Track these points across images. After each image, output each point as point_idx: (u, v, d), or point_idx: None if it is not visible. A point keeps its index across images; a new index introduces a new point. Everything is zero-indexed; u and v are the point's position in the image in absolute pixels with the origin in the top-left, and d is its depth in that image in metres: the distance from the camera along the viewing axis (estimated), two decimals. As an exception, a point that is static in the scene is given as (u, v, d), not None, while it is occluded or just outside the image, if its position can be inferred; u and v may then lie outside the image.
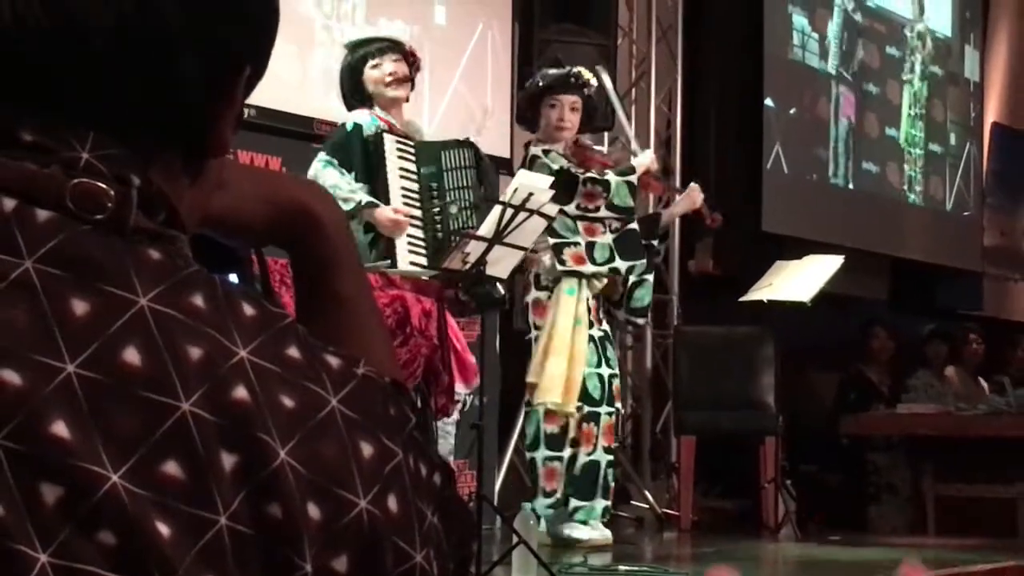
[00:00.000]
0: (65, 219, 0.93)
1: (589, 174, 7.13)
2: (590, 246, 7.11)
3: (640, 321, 7.86)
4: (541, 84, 7.23)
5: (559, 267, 7.03)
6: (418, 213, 5.77)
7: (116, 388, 0.88)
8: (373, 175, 5.79)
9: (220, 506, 0.88)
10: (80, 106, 0.96)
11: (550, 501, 7.07)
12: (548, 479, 7.09)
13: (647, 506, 8.90)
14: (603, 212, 7.15)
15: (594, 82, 7.28)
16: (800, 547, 7.75)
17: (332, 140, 5.96)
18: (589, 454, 7.11)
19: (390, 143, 5.78)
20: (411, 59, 6.04)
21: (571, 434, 7.09)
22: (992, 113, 13.53)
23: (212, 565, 0.87)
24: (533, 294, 7.14)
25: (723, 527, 8.50)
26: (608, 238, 7.16)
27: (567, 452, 7.08)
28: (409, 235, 5.70)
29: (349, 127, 5.88)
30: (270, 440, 0.91)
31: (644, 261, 7.28)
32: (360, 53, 6.03)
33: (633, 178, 7.23)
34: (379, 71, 5.97)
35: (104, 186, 0.95)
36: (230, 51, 1.01)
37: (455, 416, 5.93)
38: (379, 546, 0.95)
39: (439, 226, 5.77)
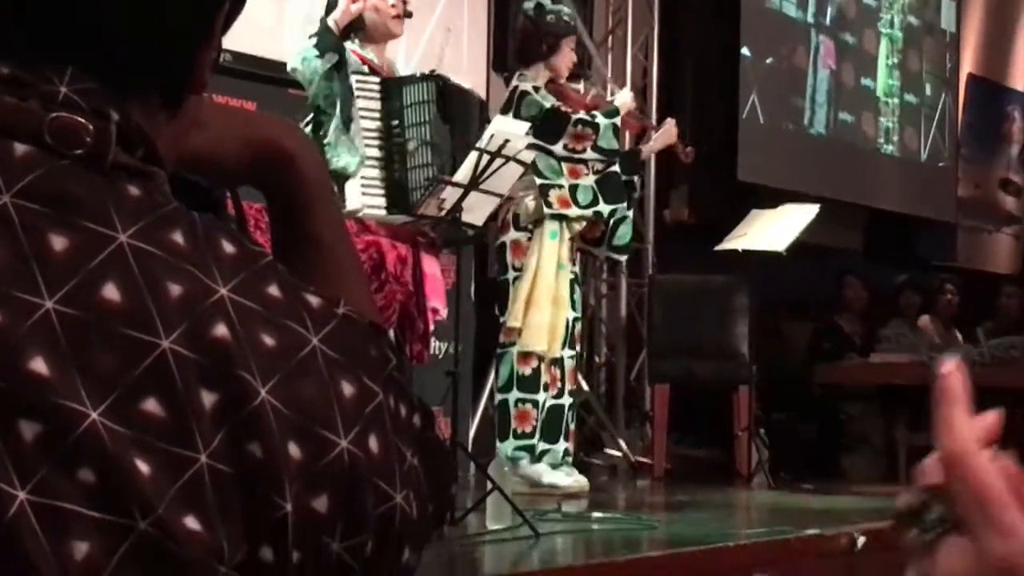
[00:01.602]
0: (43, 154, 0.92)
1: (579, 115, 7.12)
2: (573, 188, 7.11)
3: (622, 258, 7.88)
4: (569, 23, 7.26)
5: (546, 210, 7.02)
6: (377, 152, 5.71)
7: (95, 325, 0.87)
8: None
9: (200, 444, 0.88)
10: (58, 40, 0.95)
11: (521, 443, 7.07)
12: (521, 421, 7.09)
13: (620, 454, 8.92)
14: (589, 154, 7.15)
15: None
16: (773, 495, 7.78)
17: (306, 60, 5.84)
18: (555, 397, 7.12)
19: (354, 83, 5.73)
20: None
21: (544, 378, 7.10)
22: (968, 64, 13.53)
23: (192, 503, 0.87)
24: (512, 235, 7.11)
25: (696, 475, 8.53)
26: (591, 180, 7.17)
27: (541, 396, 7.08)
28: (365, 176, 5.65)
29: (313, 50, 5.76)
30: (250, 378, 0.90)
31: (626, 203, 7.30)
32: None
33: (618, 120, 7.24)
34: (384, 2, 5.89)
35: (83, 120, 0.93)
36: None
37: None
38: (359, 486, 0.94)
39: (396, 165, 5.71)
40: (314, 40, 5.75)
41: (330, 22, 5.81)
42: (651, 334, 9.09)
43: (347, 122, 5.67)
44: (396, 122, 5.72)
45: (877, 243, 12.28)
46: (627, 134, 8.65)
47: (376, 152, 5.71)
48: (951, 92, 13.20)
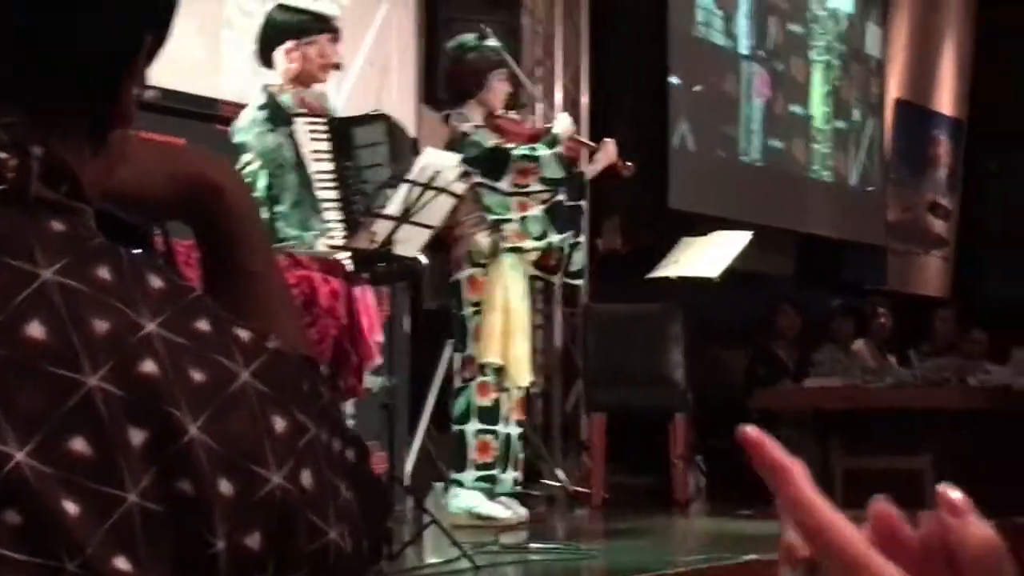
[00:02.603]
0: (-37, 191, 0.90)
1: (521, 150, 7.11)
2: (523, 221, 7.12)
3: (578, 283, 7.89)
4: (495, 58, 7.24)
5: (503, 245, 7.04)
6: (334, 195, 5.69)
7: (20, 363, 0.86)
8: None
9: (129, 483, 0.86)
10: None
11: (482, 474, 7.05)
12: (481, 452, 7.08)
13: (558, 484, 8.91)
14: (536, 186, 7.14)
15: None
16: (711, 522, 7.80)
17: (244, 123, 5.81)
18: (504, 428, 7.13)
19: (302, 128, 5.70)
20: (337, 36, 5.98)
21: (505, 409, 7.10)
22: (894, 89, 13.65)
23: (122, 544, 0.85)
24: (467, 271, 7.10)
25: (635, 503, 8.53)
26: (539, 211, 7.17)
27: (501, 427, 7.07)
28: (328, 218, 5.64)
29: (259, 104, 5.76)
30: (180, 415, 0.89)
31: (571, 232, 7.30)
32: (299, 22, 5.89)
33: (560, 148, 7.22)
34: (317, 50, 5.84)
35: (4, 155, 0.92)
36: (130, 17, 0.99)
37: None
38: (293, 522, 0.93)
39: (356, 207, 5.70)
40: (264, 113, 5.71)
41: (272, 88, 5.78)
42: (586, 363, 9.10)
43: (307, 182, 5.65)
44: (349, 163, 5.71)
45: (808, 268, 12.35)
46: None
47: (333, 194, 5.68)
48: (879, 117, 13.31)
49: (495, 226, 7.03)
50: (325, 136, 5.73)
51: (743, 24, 11.41)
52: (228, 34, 7.43)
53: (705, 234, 8.73)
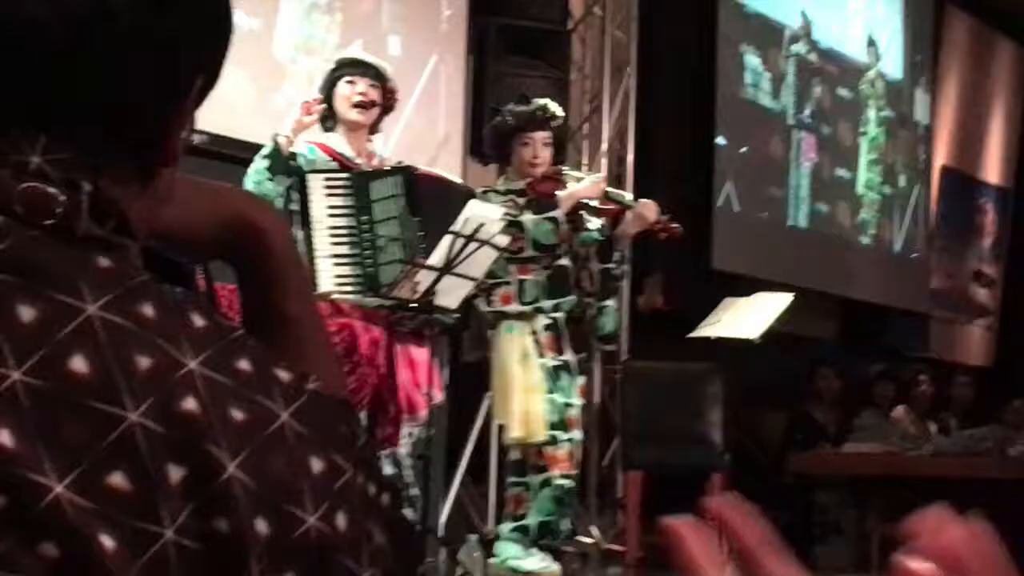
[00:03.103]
0: (13, 224, 0.91)
1: (507, 217, 7.00)
2: (521, 285, 7.08)
3: (608, 347, 7.83)
4: (512, 123, 7.15)
5: (484, 308, 7.03)
6: (348, 250, 5.70)
7: (62, 397, 0.86)
8: (301, 215, 5.73)
9: (166, 520, 0.87)
10: (31, 109, 0.95)
11: (513, 525, 7.05)
12: (513, 504, 7.09)
13: (592, 541, 8.87)
14: (530, 252, 7.06)
15: (560, 113, 7.26)
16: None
17: (256, 169, 5.81)
18: (563, 477, 7.13)
19: (316, 182, 5.72)
20: (389, 93, 5.99)
21: (531, 460, 7.08)
22: (941, 156, 13.62)
23: (157, 580, 0.86)
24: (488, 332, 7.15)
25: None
26: (541, 276, 7.12)
27: (531, 478, 7.06)
28: (338, 274, 5.65)
29: (266, 152, 5.78)
30: (219, 453, 0.89)
31: (573, 298, 7.21)
32: (341, 69, 5.98)
33: (558, 213, 7.08)
34: (350, 89, 5.91)
35: (53, 191, 0.93)
36: (182, 59, 1.00)
37: (407, 448, 5.89)
38: (326, 563, 0.93)
39: (369, 261, 5.70)
40: (265, 163, 5.75)
41: (280, 139, 5.78)
42: (624, 421, 9.06)
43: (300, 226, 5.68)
44: (365, 217, 5.72)
45: (850, 332, 12.30)
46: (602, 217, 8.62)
47: (347, 249, 5.70)
48: (925, 184, 13.28)
49: (490, 288, 6.99)
50: (343, 191, 5.74)
51: (791, 87, 11.41)
52: (278, 81, 7.47)
53: (747, 295, 8.70)
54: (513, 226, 6.90)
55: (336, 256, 5.66)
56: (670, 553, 0.74)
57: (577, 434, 7.28)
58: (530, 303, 7.06)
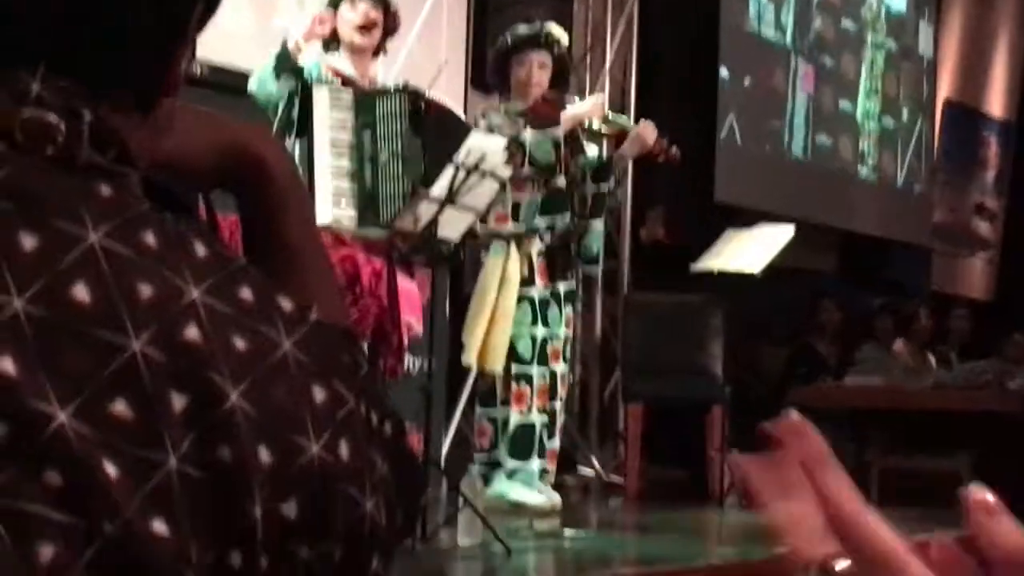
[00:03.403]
0: (13, 152, 0.91)
1: (508, 135, 7.01)
2: (516, 205, 7.07)
3: (591, 269, 7.76)
4: (510, 42, 7.17)
5: (480, 227, 6.99)
6: (347, 164, 5.72)
7: (64, 325, 0.86)
8: (299, 125, 5.73)
9: (169, 448, 0.87)
10: (29, 35, 0.94)
11: (482, 458, 7.07)
12: (479, 436, 7.10)
13: (593, 473, 8.91)
14: (528, 170, 7.06)
15: (564, 40, 7.24)
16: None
17: (260, 77, 5.83)
18: (522, 414, 7.07)
19: (321, 94, 5.73)
20: (391, 15, 5.98)
21: (501, 393, 7.07)
22: (944, 90, 13.58)
23: (160, 508, 0.86)
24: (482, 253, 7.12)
25: (669, 495, 8.52)
26: (537, 196, 7.11)
27: (498, 412, 7.05)
28: (336, 187, 5.65)
29: (271, 63, 5.78)
30: (221, 382, 0.89)
31: (567, 216, 7.20)
32: None
33: (556, 131, 7.09)
34: (353, 13, 5.91)
35: (54, 119, 0.92)
36: None
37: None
38: (330, 492, 0.93)
39: (368, 176, 5.71)
40: (273, 63, 5.76)
41: (290, 43, 5.81)
42: (625, 353, 9.09)
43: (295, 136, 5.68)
44: (368, 133, 5.73)
45: (851, 266, 12.31)
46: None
47: (346, 163, 5.71)
48: (928, 117, 13.25)
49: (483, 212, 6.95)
50: (348, 107, 5.75)
51: (794, 18, 11.36)
52: (278, 10, 7.44)
53: (749, 227, 8.70)
54: (512, 144, 6.89)
55: (335, 168, 5.66)
56: (745, 493, 0.76)
57: (560, 366, 7.24)
58: (523, 222, 7.05)
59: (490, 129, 6.83)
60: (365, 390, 0.99)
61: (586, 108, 7.24)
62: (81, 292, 0.87)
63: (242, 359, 0.91)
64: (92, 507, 0.84)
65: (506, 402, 7.06)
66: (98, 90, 0.96)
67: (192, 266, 0.92)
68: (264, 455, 0.90)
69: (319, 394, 0.94)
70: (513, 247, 7.03)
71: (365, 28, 5.91)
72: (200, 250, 0.94)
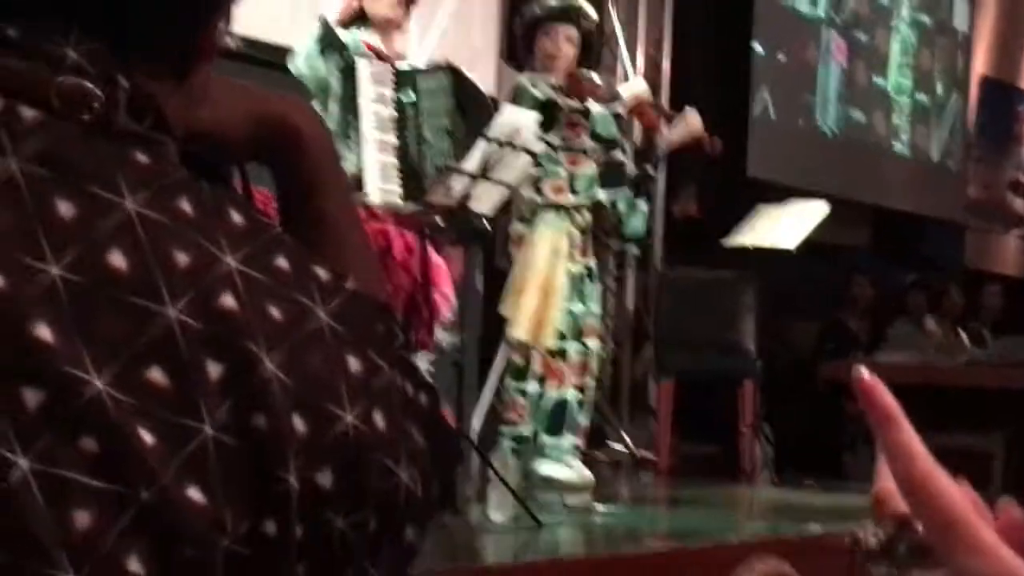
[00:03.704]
0: (51, 118, 0.91)
1: (571, 104, 7.03)
2: (571, 177, 7.06)
3: (633, 248, 7.78)
4: (537, 12, 7.15)
5: (537, 199, 6.97)
6: (392, 139, 5.71)
7: (101, 292, 0.86)
8: (349, 101, 5.73)
9: (205, 415, 0.87)
10: (67, 4, 0.94)
11: (513, 432, 7.05)
12: (511, 410, 7.08)
13: (624, 448, 8.90)
14: (587, 142, 7.08)
15: (593, 16, 7.22)
16: (776, 492, 7.78)
17: (306, 55, 5.85)
18: (557, 389, 7.06)
19: (364, 67, 5.73)
20: None
21: (536, 368, 7.05)
22: (980, 65, 13.50)
23: (195, 475, 0.86)
24: (515, 226, 7.06)
25: (700, 471, 8.52)
26: (592, 169, 7.10)
27: (532, 387, 7.04)
28: (383, 161, 5.65)
29: (316, 36, 5.80)
30: (257, 350, 0.89)
31: (626, 189, 7.22)
32: None
33: (618, 107, 7.14)
34: None
35: (91, 86, 0.92)
36: None
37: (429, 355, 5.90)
38: (364, 462, 0.93)
39: (412, 152, 5.71)
40: (315, 41, 5.76)
41: (330, 19, 5.81)
42: (657, 328, 9.07)
43: (351, 118, 5.68)
44: (412, 110, 5.73)
45: (884, 242, 12.27)
46: (637, 124, 8.59)
47: (392, 139, 5.70)
48: (963, 93, 13.18)
49: (537, 180, 6.94)
50: (391, 82, 5.75)
51: (827, -7, 11.32)
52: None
53: (782, 203, 8.67)
54: (578, 113, 6.91)
55: (381, 143, 5.66)
56: (881, 424, 0.76)
57: (593, 342, 7.22)
58: (584, 194, 7.05)
59: (541, 97, 6.83)
60: (400, 360, 0.99)
61: (642, 89, 7.31)
62: (117, 259, 0.87)
63: (278, 328, 0.91)
64: (128, 474, 0.84)
65: (542, 379, 7.05)
66: (134, 56, 0.96)
67: (228, 234, 0.92)
68: (299, 424, 0.90)
69: (354, 364, 0.94)
70: (566, 220, 7.01)
71: (398, 2, 5.90)
72: (236, 218, 0.94)
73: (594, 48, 7.34)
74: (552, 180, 6.95)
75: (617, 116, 7.12)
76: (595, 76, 7.30)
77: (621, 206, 7.21)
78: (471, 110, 5.85)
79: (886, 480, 0.77)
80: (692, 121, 7.29)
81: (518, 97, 6.87)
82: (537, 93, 6.91)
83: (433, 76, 5.81)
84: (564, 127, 7.03)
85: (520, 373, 7.06)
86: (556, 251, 6.94)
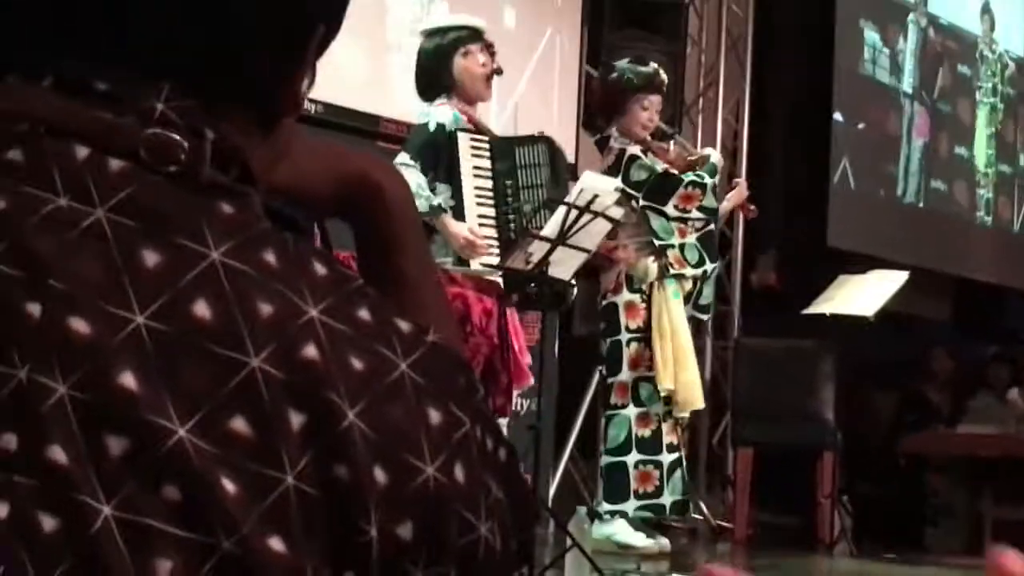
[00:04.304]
0: (138, 169, 0.92)
1: (690, 176, 7.07)
2: (682, 248, 7.10)
3: (705, 317, 7.82)
4: (635, 82, 7.15)
5: (669, 271, 7.03)
6: (492, 212, 5.72)
7: (185, 341, 0.87)
8: (453, 175, 5.73)
9: (287, 465, 0.87)
10: (155, 57, 0.95)
11: (646, 503, 7.04)
12: (642, 482, 7.06)
13: (701, 517, 8.85)
14: (695, 213, 7.12)
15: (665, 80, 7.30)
16: (855, 564, 7.70)
17: (412, 141, 5.81)
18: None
19: (464, 141, 5.72)
20: (492, 53, 5.96)
21: (667, 439, 7.09)
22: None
23: (277, 525, 0.86)
24: (625, 296, 7.09)
25: (778, 541, 8.44)
26: (693, 239, 7.13)
27: (664, 457, 7.06)
28: (483, 235, 5.67)
29: (432, 127, 5.76)
30: (339, 401, 0.89)
31: (717, 259, 7.33)
32: (451, 37, 5.87)
33: (717, 178, 7.22)
34: (473, 61, 5.85)
35: (178, 137, 0.93)
36: (305, 7, 1.00)
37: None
38: (444, 515, 0.93)
39: (512, 225, 5.71)
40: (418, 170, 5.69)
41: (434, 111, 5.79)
42: (736, 397, 9.03)
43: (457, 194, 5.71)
44: (509, 182, 5.72)
45: (965, 313, 12.16)
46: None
47: (491, 211, 5.71)
48: (1046, 163, 13.09)
49: (661, 251, 6.99)
50: (487, 153, 5.75)
51: (910, 63, 11.28)
52: (394, 54, 7.50)
53: (862, 273, 8.63)
54: (696, 186, 6.96)
55: (480, 217, 5.67)
56: None
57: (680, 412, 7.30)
58: (696, 265, 7.11)
59: (650, 165, 6.91)
60: (480, 414, 0.99)
61: (731, 200, 7.41)
62: (202, 308, 0.88)
63: (359, 379, 0.91)
64: (210, 522, 0.84)
65: (671, 447, 7.11)
66: (220, 109, 0.97)
67: (311, 285, 0.92)
68: (380, 475, 0.89)
69: (435, 416, 0.94)
70: (683, 291, 7.12)
71: (490, 76, 5.89)
72: (319, 269, 0.94)
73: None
74: (673, 251, 7.02)
75: (715, 187, 7.16)
76: (682, 140, 7.41)
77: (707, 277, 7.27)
78: (563, 179, 5.88)
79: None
80: (742, 189, 7.42)
81: (634, 168, 6.92)
82: (656, 165, 6.97)
83: (531, 148, 5.81)
84: (680, 198, 7.06)
85: (650, 444, 7.07)
86: (685, 320, 7.05)
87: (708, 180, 7.13)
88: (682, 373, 6.99)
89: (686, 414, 7.15)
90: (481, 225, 5.69)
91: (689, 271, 7.10)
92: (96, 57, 0.95)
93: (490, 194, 5.72)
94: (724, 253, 9.24)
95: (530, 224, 5.64)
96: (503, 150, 5.77)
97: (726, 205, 7.49)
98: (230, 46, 0.97)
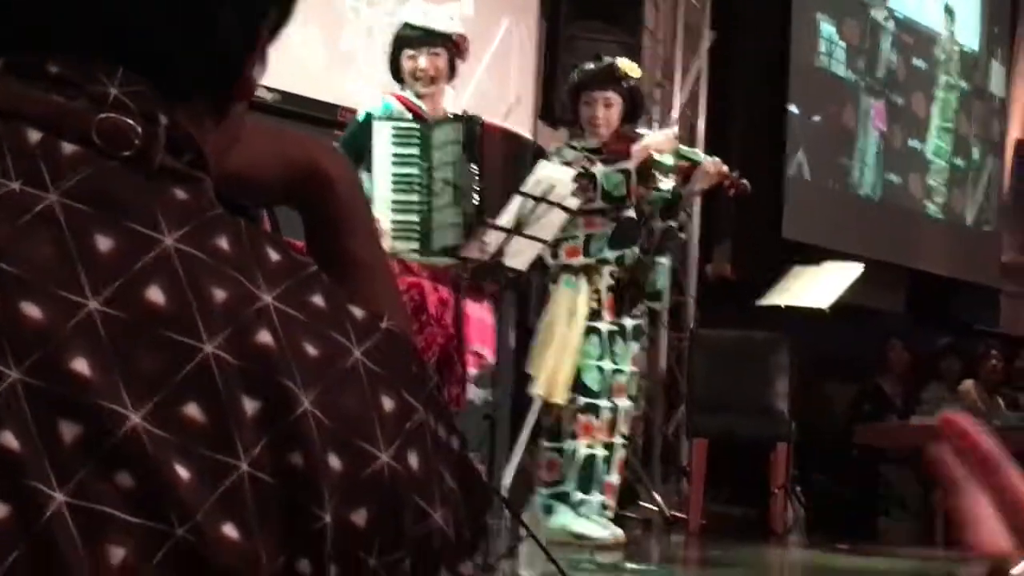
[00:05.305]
0: (91, 154, 0.91)
1: (579, 170, 6.99)
2: (588, 239, 7.09)
3: (655, 305, 7.79)
4: (575, 80, 7.24)
5: (552, 261, 7.04)
6: (404, 197, 5.72)
7: (139, 327, 0.86)
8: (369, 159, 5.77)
9: (241, 452, 0.86)
10: (109, 42, 0.95)
11: (547, 492, 7.07)
12: (546, 469, 7.11)
13: (656, 508, 8.87)
14: (599, 204, 7.07)
15: (633, 73, 7.23)
16: (807, 554, 7.73)
17: (345, 133, 5.99)
18: (589, 447, 7.08)
19: (383, 129, 5.74)
20: (456, 49, 5.98)
21: (567, 426, 7.08)
22: (1016, 130, 13.49)
23: (231, 511, 0.85)
24: (551, 286, 7.16)
25: (731, 531, 8.47)
26: (607, 230, 7.12)
27: (567, 444, 7.07)
28: (399, 220, 5.66)
29: (360, 118, 5.89)
30: (293, 387, 0.89)
31: (636, 248, 7.19)
32: (400, 35, 6.01)
33: (629, 165, 7.08)
34: (412, 63, 5.94)
35: (131, 122, 0.93)
36: None
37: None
38: (399, 502, 0.92)
39: (424, 207, 5.72)
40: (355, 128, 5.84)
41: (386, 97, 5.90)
42: (691, 388, 9.05)
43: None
44: (426, 164, 5.75)
45: (919, 305, 12.22)
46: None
47: (404, 197, 5.71)
48: (998, 157, 13.16)
49: (555, 243, 6.95)
50: (410, 140, 5.76)
51: (865, 56, 11.32)
52: (352, 42, 7.48)
53: (816, 265, 8.66)
54: (584, 176, 6.90)
55: (394, 203, 5.67)
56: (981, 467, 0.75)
57: (624, 402, 7.24)
58: (596, 255, 7.08)
59: (565, 164, 6.83)
60: (433, 402, 0.99)
61: (658, 141, 7.23)
62: (155, 294, 0.87)
63: (313, 365, 0.91)
64: (163, 509, 0.84)
65: (574, 434, 7.07)
66: (173, 94, 0.96)
67: (265, 271, 0.92)
68: (334, 462, 0.89)
69: (388, 403, 0.94)
70: (583, 281, 7.05)
71: (424, 80, 5.93)
72: (273, 255, 0.94)
73: (637, 103, 7.37)
74: (569, 243, 7.01)
75: (625, 173, 7.06)
76: (641, 131, 7.35)
77: (626, 262, 7.19)
78: (499, 159, 5.83)
79: (981, 528, 0.76)
80: (709, 168, 7.19)
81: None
82: (557, 160, 6.93)
83: (446, 127, 5.80)
84: (576, 191, 7.05)
85: (554, 433, 7.08)
86: (573, 310, 7.00)
87: (597, 170, 6.98)
88: (542, 360, 7.00)
89: (558, 401, 7.08)
90: (400, 211, 5.67)
91: (580, 261, 7.06)
92: (48, 40, 0.94)
93: (406, 180, 5.72)
94: (681, 245, 9.26)
95: (441, 202, 5.65)
96: (425, 135, 5.79)
97: (692, 188, 7.33)
98: (185, 31, 0.96)
